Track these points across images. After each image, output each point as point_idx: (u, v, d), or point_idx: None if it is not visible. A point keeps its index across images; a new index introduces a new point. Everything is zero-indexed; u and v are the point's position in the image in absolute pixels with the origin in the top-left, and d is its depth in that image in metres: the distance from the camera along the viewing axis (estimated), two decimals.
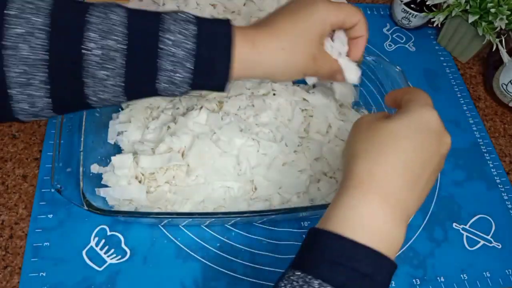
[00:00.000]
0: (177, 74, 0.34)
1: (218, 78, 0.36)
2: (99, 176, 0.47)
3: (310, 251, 0.31)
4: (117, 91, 0.34)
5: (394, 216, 0.30)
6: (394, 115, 0.34)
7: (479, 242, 0.54)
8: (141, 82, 0.34)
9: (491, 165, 0.61)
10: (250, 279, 0.48)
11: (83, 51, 0.31)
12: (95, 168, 0.46)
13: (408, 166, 0.31)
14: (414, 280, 0.50)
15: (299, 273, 0.29)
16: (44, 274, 0.45)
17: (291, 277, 0.29)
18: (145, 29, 0.33)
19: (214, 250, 0.49)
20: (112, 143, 0.51)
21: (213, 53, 0.35)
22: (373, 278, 0.29)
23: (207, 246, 0.49)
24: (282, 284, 0.29)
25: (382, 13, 0.76)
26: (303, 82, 0.55)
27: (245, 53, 0.36)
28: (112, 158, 0.47)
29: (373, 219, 0.30)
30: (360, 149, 0.33)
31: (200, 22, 0.36)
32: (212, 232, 0.50)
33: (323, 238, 0.30)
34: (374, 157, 0.31)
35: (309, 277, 0.29)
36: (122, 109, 0.53)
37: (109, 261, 0.46)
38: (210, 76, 0.35)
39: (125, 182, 0.47)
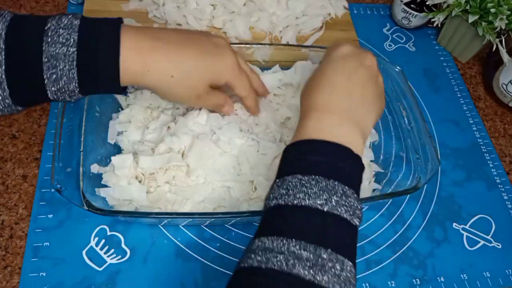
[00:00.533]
0: (65, 89, 0.36)
1: (105, 88, 0.39)
2: (99, 176, 0.47)
3: (281, 163, 0.37)
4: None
5: (350, 127, 0.38)
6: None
7: (479, 242, 0.54)
8: (25, 92, 0.36)
9: (491, 165, 0.61)
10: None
11: None
12: (95, 168, 0.46)
13: (342, 87, 0.39)
14: (414, 280, 0.50)
15: (277, 180, 0.35)
16: (44, 274, 0.45)
17: (274, 186, 0.35)
18: (27, 41, 0.35)
19: (214, 250, 0.49)
20: (112, 143, 0.51)
21: (100, 68, 0.37)
22: (337, 165, 0.35)
23: (207, 246, 0.49)
24: (270, 196, 0.35)
25: (382, 13, 0.76)
26: None
27: (133, 70, 0.38)
28: (112, 158, 0.47)
29: (335, 128, 0.37)
30: (311, 89, 0.41)
31: (86, 29, 0.36)
32: (212, 232, 0.50)
33: (295, 146, 0.37)
34: (321, 91, 0.40)
35: (283, 178, 0.35)
36: (122, 109, 0.53)
37: (109, 261, 0.46)
38: (97, 86, 0.38)
39: (125, 182, 0.47)
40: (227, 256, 0.48)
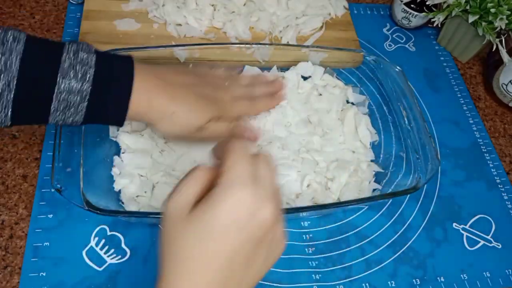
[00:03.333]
0: (70, 118, 0.38)
1: (108, 121, 0.41)
2: (99, 176, 0.47)
3: None
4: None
5: None
6: (200, 207, 0.27)
7: (479, 242, 0.54)
8: (26, 116, 0.37)
9: (491, 165, 0.61)
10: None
11: None
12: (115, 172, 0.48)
13: (214, 274, 0.27)
14: (414, 280, 0.50)
15: None
16: (44, 274, 0.45)
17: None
18: (40, 71, 0.36)
19: None
20: (114, 139, 0.51)
21: (109, 105, 0.38)
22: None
23: None
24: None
25: (382, 13, 0.76)
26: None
27: (139, 107, 0.40)
28: (119, 156, 0.48)
29: None
30: (168, 249, 0.28)
31: (102, 67, 0.38)
32: None
33: None
34: (179, 267, 0.27)
35: None
36: None
37: (109, 261, 0.46)
38: (101, 119, 0.40)
39: (130, 180, 0.47)
40: None
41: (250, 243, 0.28)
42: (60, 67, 0.36)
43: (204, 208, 0.27)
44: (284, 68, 0.60)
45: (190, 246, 0.27)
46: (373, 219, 0.53)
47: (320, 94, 0.58)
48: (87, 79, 0.36)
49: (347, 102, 0.59)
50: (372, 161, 0.55)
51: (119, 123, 0.40)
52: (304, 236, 0.51)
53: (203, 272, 0.27)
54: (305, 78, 0.60)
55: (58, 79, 0.35)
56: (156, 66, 0.43)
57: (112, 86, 0.38)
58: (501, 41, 0.62)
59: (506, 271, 0.52)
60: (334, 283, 0.48)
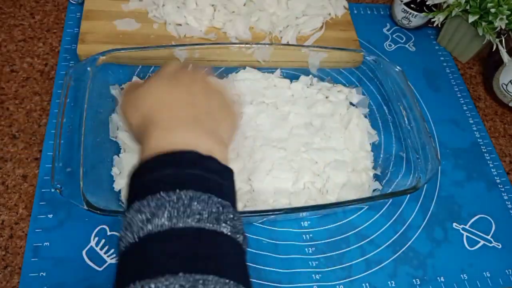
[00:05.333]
0: None
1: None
2: (99, 176, 0.47)
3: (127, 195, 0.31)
4: None
5: (200, 135, 0.32)
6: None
7: (479, 242, 0.54)
8: None
9: (491, 165, 0.61)
10: (250, 279, 0.47)
11: None
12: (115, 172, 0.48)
13: (181, 100, 0.35)
14: (414, 280, 0.50)
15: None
16: (44, 274, 0.45)
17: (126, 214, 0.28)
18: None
19: None
20: (114, 139, 0.51)
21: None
22: (183, 172, 0.29)
23: None
24: (121, 233, 0.28)
25: (382, 13, 0.76)
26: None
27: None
28: (119, 156, 0.48)
29: (180, 140, 0.32)
30: (143, 105, 0.35)
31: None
32: None
33: (137, 170, 0.31)
34: (157, 107, 0.35)
35: (124, 215, 0.28)
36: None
37: (109, 261, 0.46)
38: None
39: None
40: None
41: (193, 81, 0.37)
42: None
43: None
44: (284, 68, 0.60)
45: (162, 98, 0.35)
46: (373, 219, 0.53)
47: (327, 97, 0.58)
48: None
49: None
50: (372, 162, 0.55)
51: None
52: (304, 236, 0.51)
53: (175, 108, 0.34)
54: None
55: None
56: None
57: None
58: (501, 41, 0.62)
59: (506, 271, 0.52)
60: (334, 283, 0.48)
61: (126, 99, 0.38)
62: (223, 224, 0.27)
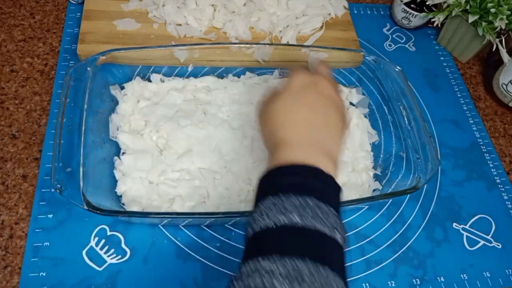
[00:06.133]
0: None
1: None
2: (99, 176, 0.47)
3: (256, 195, 0.36)
4: None
5: (319, 155, 0.37)
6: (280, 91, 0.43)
7: (479, 242, 0.54)
8: None
9: (491, 165, 0.61)
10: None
11: None
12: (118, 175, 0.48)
13: (305, 120, 0.40)
14: (414, 280, 0.50)
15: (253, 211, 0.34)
16: (44, 274, 0.45)
17: (260, 206, 0.34)
18: None
19: (214, 250, 0.49)
20: (114, 139, 0.51)
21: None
22: (308, 182, 0.35)
23: (207, 246, 0.49)
24: (256, 215, 0.33)
25: (382, 13, 0.76)
26: None
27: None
28: (119, 157, 0.48)
29: (303, 157, 0.37)
30: (275, 123, 0.41)
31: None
32: (212, 232, 0.50)
33: (266, 176, 0.36)
34: (286, 126, 0.40)
35: (257, 206, 0.34)
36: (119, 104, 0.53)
37: (109, 261, 0.46)
38: None
39: (131, 182, 0.47)
40: (227, 256, 0.48)
41: (317, 99, 0.42)
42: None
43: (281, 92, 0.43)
44: (284, 68, 0.60)
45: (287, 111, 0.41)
46: (373, 219, 0.53)
47: None
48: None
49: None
50: (372, 162, 0.55)
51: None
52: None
53: (299, 123, 0.40)
54: None
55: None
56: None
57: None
58: (501, 41, 0.62)
59: (506, 271, 0.52)
60: None
61: (261, 111, 0.44)
62: (338, 233, 0.33)
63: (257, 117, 0.45)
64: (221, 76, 0.59)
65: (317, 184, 0.35)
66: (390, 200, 0.55)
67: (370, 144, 0.57)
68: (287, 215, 0.32)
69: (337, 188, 0.36)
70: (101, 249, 0.47)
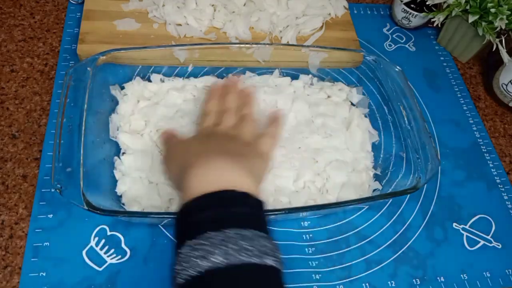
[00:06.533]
0: None
1: None
2: (99, 176, 0.47)
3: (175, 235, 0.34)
4: None
5: (231, 168, 0.36)
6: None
7: (479, 242, 0.54)
8: None
9: (491, 165, 0.61)
10: None
11: None
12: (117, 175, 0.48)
13: (214, 147, 0.41)
14: (414, 280, 0.50)
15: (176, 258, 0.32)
16: (44, 274, 0.45)
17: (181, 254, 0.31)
18: None
19: None
20: (114, 139, 0.51)
21: None
22: (227, 212, 0.33)
23: None
24: (177, 267, 0.31)
25: (382, 13, 0.76)
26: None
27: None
28: (119, 157, 0.48)
29: (213, 176, 0.35)
30: (182, 157, 0.41)
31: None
32: None
33: (181, 212, 0.34)
34: (194, 156, 0.38)
35: (177, 253, 0.32)
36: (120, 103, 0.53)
37: (109, 261, 0.46)
38: None
39: (132, 182, 0.47)
40: None
41: (221, 138, 0.43)
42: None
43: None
44: (284, 68, 0.60)
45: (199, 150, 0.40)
46: (373, 219, 0.53)
47: (329, 96, 0.58)
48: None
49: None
50: (372, 162, 0.55)
51: None
52: (304, 236, 0.51)
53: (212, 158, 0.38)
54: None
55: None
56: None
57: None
58: (501, 41, 0.62)
59: (506, 271, 0.52)
60: (334, 283, 0.48)
61: (166, 155, 0.44)
62: (268, 257, 0.31)
63: (163, 159, 0.44)
64: (221, 76, 0.59)
65: (234, 210, 0.33)
66: (390, 200, 0.55)
67: (370, 144, 0.57)
68: (209, 259, 0.30)
69: (257, 203, 0.34)
70: (101, 249, 0.47)
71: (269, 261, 0.31)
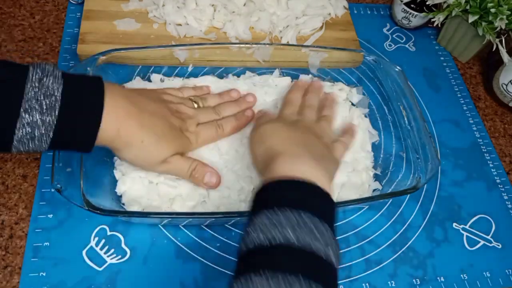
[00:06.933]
0: (33, 147, 0.36)
1: (77, 150, 0.39)
2: (99, 176, 0.47)
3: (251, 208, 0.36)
4: None
5: (318, 169, 0.38)
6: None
7: (479, 242, 0.54)
8: None
9: (491, 165, 0.61)
10: None
11: None
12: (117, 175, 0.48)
13: (301, 138, 0.43)
14: (414, 280, 0.50)
15: (247, 225, 0.34)
16: (44, 274, 0.45)
17: (245, 232, 0.34)
18: (2, 105, 0.34)
19: (214, 250, 0.49)
20: None
21: (77, 136, 0.37)
22: (305, 199, 0.35)
23: (207, 246, 0.49)
24: (242, 245, 0.33)
25: (382, 13, 0.76)
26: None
27: (107, 136, 0.39)
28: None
29: (302, 169, 0.38)
30: (270, 140, 0.43)
31: (68, 99, 0.36)
32: (212, 232, 0.50)
33: (263, 189, 0.37)
34: (282, 143, 0.42)
35: (252, 221, 0.34)
36: None
37: (109, 261, 0.46)
38: (68, 149, 0.39)
39: (131, 182, 0.47)
40: (227, 256, 0.48)
41: (308, 128, 0.46)
42: (24, 99, 0.33)
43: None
44: (284, 68, 0.60)
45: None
46: (373, 219, 0.53)
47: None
48: (53, 112, 0.34)
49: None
50: (372, 162, 0.55)
51: (86, 151, 0.39)
52: None
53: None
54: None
55: (21, 113, 0.34)
56: (129, 90, 0.43)
57: (80, 117, 0.37)
58: (501, 41, 0.62)
59: (506, 271, 0.52)
60: None
61: (253, 135, 0.46)
62: (331, 251, 0.33)
63: (250, 138, 0.46)
64: (221, 76, 0.59)
65: (313, 200, 0.35)
66: (390, 200, 0.55)
67: (370, 144, 0.57)
68: (281, 231, 0.32)
69: (332, 205, 0.37)
70: (101, 249, 0.47)
71: (331, 255, 0.32)
